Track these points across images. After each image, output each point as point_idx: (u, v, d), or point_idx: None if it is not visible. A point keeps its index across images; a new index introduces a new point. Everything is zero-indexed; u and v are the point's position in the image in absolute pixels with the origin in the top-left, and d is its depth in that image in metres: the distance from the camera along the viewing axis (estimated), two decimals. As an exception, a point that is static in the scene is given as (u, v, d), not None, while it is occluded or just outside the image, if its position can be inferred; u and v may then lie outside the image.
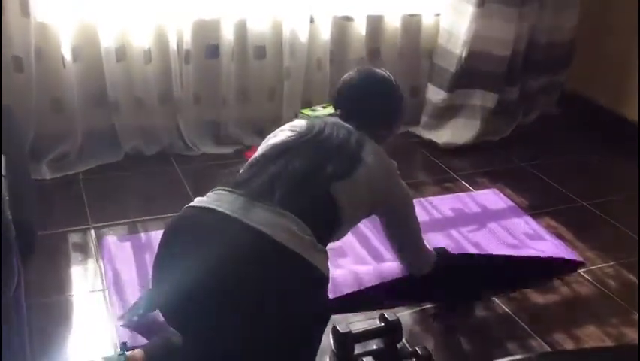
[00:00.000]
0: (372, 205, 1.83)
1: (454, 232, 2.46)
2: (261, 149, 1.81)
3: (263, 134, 2.98)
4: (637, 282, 2.27)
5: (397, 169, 1.88)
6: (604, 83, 3.43)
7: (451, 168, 3.00)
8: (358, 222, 1.88)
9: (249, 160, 1.76)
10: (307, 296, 1.55)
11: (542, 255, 2.31)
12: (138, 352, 1.62)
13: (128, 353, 1.61)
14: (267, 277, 1.50)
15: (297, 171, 1.65)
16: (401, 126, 2.11)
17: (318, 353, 1.68)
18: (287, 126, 1.86)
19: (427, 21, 3.24)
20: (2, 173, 1.54)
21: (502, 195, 2.78)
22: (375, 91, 1.92)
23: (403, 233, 1.96)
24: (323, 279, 1.59)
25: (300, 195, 1.62)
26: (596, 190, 2.86)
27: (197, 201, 1.65)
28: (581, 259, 2.36)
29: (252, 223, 1.52)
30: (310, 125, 1.80)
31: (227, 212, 1.55)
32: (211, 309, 1.49)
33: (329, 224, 1.68)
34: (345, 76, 1.96)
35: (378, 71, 1.97)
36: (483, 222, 2.56)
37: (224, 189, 1.63)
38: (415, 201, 2.01)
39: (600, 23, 3.41)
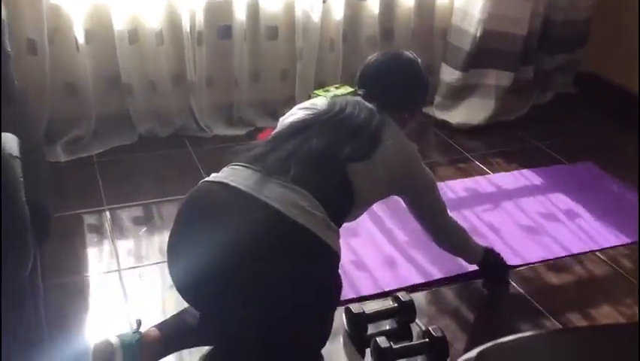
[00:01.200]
0: (390, 189, 1.82)
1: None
2: (279, 126, 1.81)
3: (275, 115, 3.00)
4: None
5: (418, 152, 1.86)
6: (620, 62, 3.38)
7: (464, 149, 2.98)
8: (374, 203, 1.87)
9: (266, 137, 1.77)
10: (318, 272, 1.56)
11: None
12: (153, 330, 1.64)
13: (142, 331, 1.63)
14: (278, 253, 1.50)
15: (313, 149, 1.65)
16: (422, 111, 2.08)
17: (332, 333, 1.70)
18: (307, 104, 1.85)
19: (441, 0, 3.21)
20: (17, 155, 1.55)
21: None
22: (401, 72, 1.89)
23: (426, 215, 1.94)
24: (334, 256, 1.59)
25: (315, 173, 1.62)
26: (612, 170, 2.83)
27: (213, 176, 1.66)
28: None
29: (265, 199, 1.53)
30: (331, 103, 1.78)
31: (241, 187, 1.56)
32: (223, 286, 1.50)
33: (343, 204, 1.68)
34: (371, 56, 1.93)
35: (405, 53, 1.94)
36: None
37: (239, 165, 1.65)
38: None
39: (617, 2, 3.35)
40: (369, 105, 1.78)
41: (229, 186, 1.58)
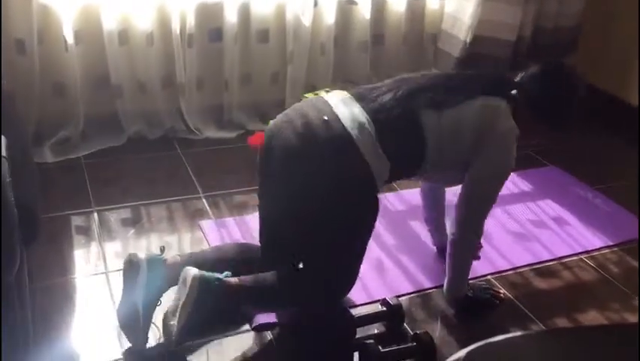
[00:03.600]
0: (463, 149, 1.81)
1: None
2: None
3: (266, 118, 2.99)
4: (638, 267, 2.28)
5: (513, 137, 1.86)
6: (608, 69, 3.40)
7: (454, 154, 2.98)
8: (453, 166, 1.85)
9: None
10: (346, 181, 1.65)
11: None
12: (175, 257, 1.80)
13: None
14: (319, 149, 1.67)
15: (404, 91, 1.76)
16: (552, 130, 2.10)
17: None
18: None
19: (432, 5, 3.22)
20: (4, 156, 1.54)
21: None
22: (551, 82, 1.92)
23: (470, 199, 1.88)
24: (366, 172, 1.66)
25: (391, 109, 1.73)
26: (599, 176, 2.86)
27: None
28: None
29: (335, 108, 1.71)
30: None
31: (330, 101, 1.75)
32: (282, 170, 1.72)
33: (413, 148, 1.76)
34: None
35: (575, 75, 1.95)
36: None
37: (345, 92, 1.81)
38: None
39: (606, 9, 3.38)
40: (498, 82, 1.88)
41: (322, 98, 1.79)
